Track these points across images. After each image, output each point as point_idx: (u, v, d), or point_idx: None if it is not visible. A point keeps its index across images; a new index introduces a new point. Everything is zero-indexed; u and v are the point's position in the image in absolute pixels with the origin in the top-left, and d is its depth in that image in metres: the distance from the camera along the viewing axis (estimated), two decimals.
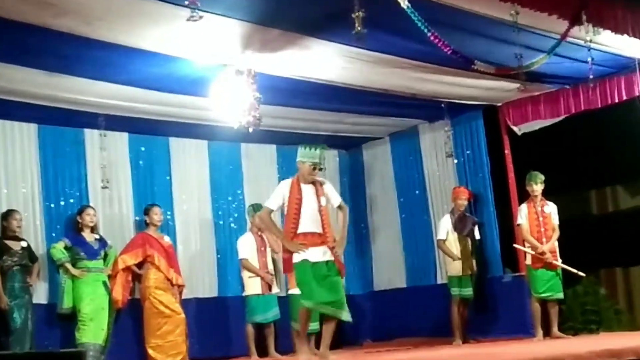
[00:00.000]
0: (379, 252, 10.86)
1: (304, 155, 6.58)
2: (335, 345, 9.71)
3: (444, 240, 9.15)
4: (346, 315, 6.45)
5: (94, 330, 8.12)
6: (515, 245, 8.82)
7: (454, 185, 9.68)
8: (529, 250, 8.50)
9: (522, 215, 8.56)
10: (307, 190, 6.53)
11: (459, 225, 9.12)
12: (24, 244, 8.00)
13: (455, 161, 9.81)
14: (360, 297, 10.89)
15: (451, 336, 8.93)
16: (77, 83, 7.37)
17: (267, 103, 7.33)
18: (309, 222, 6.47)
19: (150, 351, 8.56)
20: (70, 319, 8.23)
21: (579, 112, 8.79)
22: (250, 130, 7.24)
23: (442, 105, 9.26)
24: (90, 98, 7.82)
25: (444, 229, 9.17)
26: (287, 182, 6.64)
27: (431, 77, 8.03)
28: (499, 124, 9.46)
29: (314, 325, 9.21)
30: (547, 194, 8.63)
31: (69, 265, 8.23)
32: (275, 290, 9.12)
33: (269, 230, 6.95)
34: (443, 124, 9.75)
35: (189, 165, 9.68)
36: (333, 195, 6.72)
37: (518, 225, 8.65)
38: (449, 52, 6.43)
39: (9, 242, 7.91)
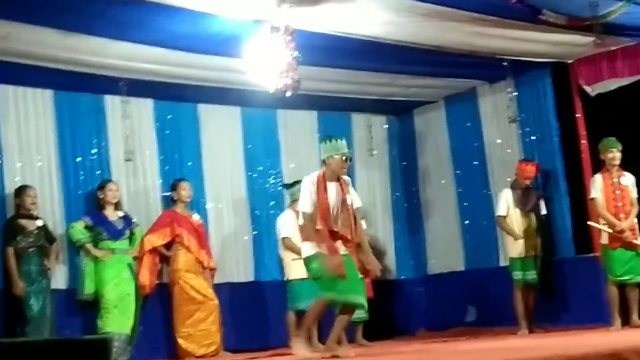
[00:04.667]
0: (433, 232, 10.81)
1: (331, 149, 6.65)
2: (386, 334, 9.77)
3: (505, 217, 9.05)
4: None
5: (119, 319, 8.20)
6: (589, 223, 8.66)
7: (518, 154, 9.59)
8: (605, 228, 8.34)
9: (597, 187, 8.39)
10: (332, 188, 6.63)
11: (522, 199, 9.02)
12: (39, 223, 8.09)
13: (520, 127, 9.68)
14: (413, 282, 10.88)
15: (516, 325, 8.85)
16: (96, 44, 7.39)
17: (306, 64, 7.27)
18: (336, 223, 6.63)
19: (180, 341, 8.64)
20: (93, 307, 8.32)
21: None
22: (288, 94, 7.20)
23: (505, 63, 9.14)
24: (110, 60, 7.85)
25: (504, 204, 9.06)
26: (313, 179, 6.66)
27: (492, 32, 7.92)
28: (570, 84, 9.32)
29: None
30: (624, 164, 8.47)
31: (90, 247, 8.31)
32: None
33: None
34: (505, 85, 9.64)
35: (220, 135, 9.71)
36: (355, 196, 6.92)
37: (592, 199, 8.48)
38: (512, 1, 6.32)
39: (23, 222, 8.00)
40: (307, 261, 6.66)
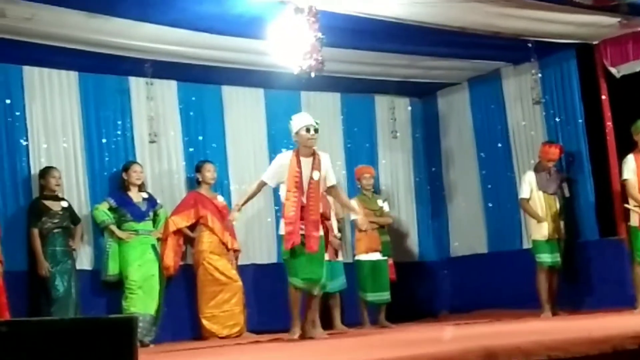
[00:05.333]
0: (456, 214, 10.77)
1: (296, 125, 7.05)
2: (409, 317, 9.75)
3: (528, 200, 8.98)
4: (318, 290, 7.12)
5: (143, 300, 8.25)
6: (626, 205, 8.46)
7: (542, 136, 9.51)
8: (637, 209, 8.21)
9: (629, 168, 8.20)
10: (305, 163, 7.01)
11: (546, 182, 8.94)
12: (64, 204, 8.13)
13: (544, 109, 9.59)
14: (436, 264, 10.85)
15: (539, 308, 8.81)
16: (120, 25, 7.40)
17: (330, 45, 7.23)
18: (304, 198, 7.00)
19: (204, 322, 8.68)
20: (117, 287, 8.38)
21: None
22: (312, 75, 7.16)
23: (529, 44, 9.01)
24: (135, 42, 7.86)
25: (528, 186, 8.98)
26: (286, 155, 7.13)
27: (516, 13, 7.85)
28: (595, 66, 9.19)
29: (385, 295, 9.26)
30: None
31: (114, 228, 8.35)
32: (341, 257, 9.11)
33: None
34: (530, 67, 9.51)
35: (244, 117, 9.71)
36: (330, 172, 7.20)
37: (624, 180, 8.30)
38: None
39: (48, 203, 8.05)
40: (282, 239, 7.10)
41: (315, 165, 7.01)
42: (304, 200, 6.95)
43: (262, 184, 7.22)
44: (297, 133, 7.04)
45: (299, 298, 7.09)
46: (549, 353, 3.66)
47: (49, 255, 7.92)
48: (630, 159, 8.26)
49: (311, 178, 6.98)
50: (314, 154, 7.05)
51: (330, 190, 7.34)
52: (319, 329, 7.29)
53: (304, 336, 7.08)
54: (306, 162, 7.00)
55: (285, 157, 7.12)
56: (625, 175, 8.26)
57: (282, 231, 7.11)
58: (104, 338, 3.20)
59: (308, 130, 6.99)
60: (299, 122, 7.07)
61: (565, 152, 9.23)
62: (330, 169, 7.22)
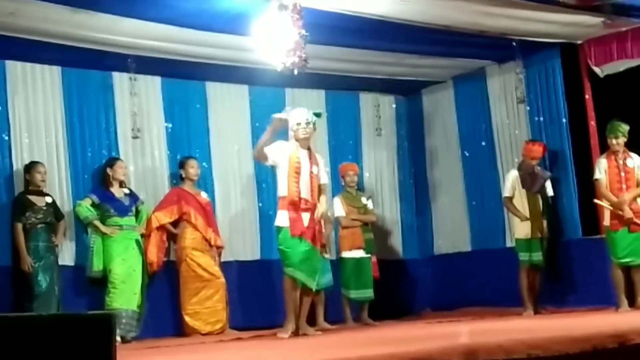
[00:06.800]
0: (440, 212, 10.77)
1: (292, 120, 7.29)
2: (392, 314, 9.75)
3: (511, 198, 9.00)
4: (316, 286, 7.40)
5: (126, 295, 8.22)
6: (595, 201, 8.56)
7: (526, 135, 9.53)
8: (608, 205, 8.25)
9: (601, 169, 8.31)
10: (303, 155, 7.24)
11: (529, 180, 8.95)
12: (48, 199, 8.10)
13: (528, 108, 9.61)
14: (419, 262, 10.85)
15: (522, 306, 8.82)
16: (104, 20, 7.37)
17: (314, 42, 7.20)
18: (304, 188, 7.20)
19: (187, 318, 8.65)
20: (100, 283, 8.34)
21: None
22: (296, 72, 7.14)
23: (514, 43, 9.04)
24: (118, 37, 7.82)
25: (511, 185, 9.01)
26: (287, 143, 7.31)
27: (501, 12, 7.86)
28: (579, 65, 9.22)
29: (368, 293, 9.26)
30: (634, 146, 8.39)
31: (97, 223, 8.31)
32: (326, 254, 9.09)
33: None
34: (514, 66, 9.54)
35: (228, 113, 9.66)
36: (323, 172, 7.48)
37: (595, 180, 8.40)
38: None
39: (33, 198, 8.00)
40: (277, 230, 7.23)
41: (313, 160, 7.26)
42: (308, 192, 7.13)
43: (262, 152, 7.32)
44: (293, 128, 7.30)
45: (296, 292, 7.20)
46: (529, 351, 3.66)
47: (32, 250, 7.88)
48: (602, 160, 8.39)
49: (311, 172, 7.20)
50: (309, 149, 7.29)
51: (320, 187, 7.44)
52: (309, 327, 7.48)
53: (297, 333, 7.16)
54: (304, 154, 7.24)
55: (287, 143, 7.30)
56: (597, 175, 8.37)
57: (280, 222, 7.17)
58: (82, 335, 3.19)
59: (300, 124, 7.23)
60: (294, 117, 7.30)
61: (548, 151, 9.24)
62: (324, 168, 7.49)
